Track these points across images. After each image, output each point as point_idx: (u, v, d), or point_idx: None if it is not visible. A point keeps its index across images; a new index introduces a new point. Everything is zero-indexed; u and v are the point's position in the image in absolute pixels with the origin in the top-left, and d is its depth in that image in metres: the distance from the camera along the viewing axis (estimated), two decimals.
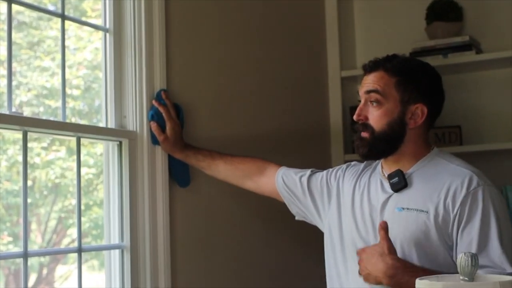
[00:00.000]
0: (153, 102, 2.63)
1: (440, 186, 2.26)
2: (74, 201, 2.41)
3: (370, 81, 2.35)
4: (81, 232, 2.40)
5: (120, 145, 2.58)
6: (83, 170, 2.84)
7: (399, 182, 2.32)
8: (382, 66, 2.35)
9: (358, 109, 2.35)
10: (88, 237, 2.79)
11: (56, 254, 2.40)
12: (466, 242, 2.19)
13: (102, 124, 2.60)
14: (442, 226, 2.23)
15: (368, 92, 2.33)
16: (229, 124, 3.06)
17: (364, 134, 2.34)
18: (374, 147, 2.33)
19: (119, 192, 2.56)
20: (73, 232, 2.41)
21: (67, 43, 2.62)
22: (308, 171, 2.61)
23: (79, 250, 2.38)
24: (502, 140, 3.56)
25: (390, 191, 2.34)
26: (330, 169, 2.59)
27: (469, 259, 1.67)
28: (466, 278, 1.67)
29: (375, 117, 2.32)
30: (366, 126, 2.33)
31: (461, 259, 1.68)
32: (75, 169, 2.40)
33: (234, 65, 3.13)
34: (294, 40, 3.59)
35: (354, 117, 2.36)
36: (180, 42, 2.81)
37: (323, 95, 3.80)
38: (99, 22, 2.66)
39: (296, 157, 3.40)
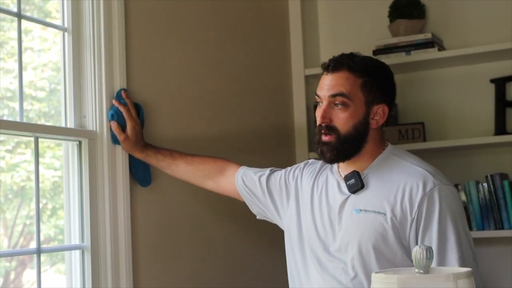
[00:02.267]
0: (113, 101, 2.62)
1: (396, 186, 2.26)
2: (40, 204, 2.39)
3: (334, 83, 2.29)
4: (39, 232, 2.37)
5: (79, 145, 2.56)
6: (49, 173, 2.82)
7: (356, 184, 2.30)
8: (347, 66, 2.29)
9: (322, 111, 2.30)
10: (54, 241, 2.76)
11: (13, 256, 2.38)
12: None
13: (62, 124, 2.58)
14: (399, 228, 2.22)
15: (334, 95, 2.28)
16: (190, 123, 3.05)
17: (328, 138, 2.29)
18: (342, 150, 2.29)
19: (79, 192, 2.54)
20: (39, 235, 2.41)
21: (31, 44, 2.59)
22: (267, 171, 2.59)
23: (38, 252, 2.36)
24: (465, 136, 3.59)
25: (348, 192, 2.33)
26: (289, 168, 2.58)
27: (424, 252, 1.67)
28: (421, 271, 1.67)
29: (342, 120, 2.28)
30: (331, 128, 2.28)
31: (416, 252, 1.68)
32: (40, 171, 2.38)
33: (196, 64, 3.12)
34: (257, 39, 3.58)
35: (319, 120, 2.30)
36: (140, 41, 2.79)
37: (287, 93, 3.80)
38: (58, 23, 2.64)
39: (260, 156, 3.40)
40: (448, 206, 2.22)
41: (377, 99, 2.31)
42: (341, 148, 2.29)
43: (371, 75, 2.31)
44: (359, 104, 2.29)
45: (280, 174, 2.56)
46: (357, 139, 2.30)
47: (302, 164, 2.56)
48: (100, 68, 2.60)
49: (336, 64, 2.31)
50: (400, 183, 2.25)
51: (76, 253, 2.53)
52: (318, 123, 2.32)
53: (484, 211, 3.43)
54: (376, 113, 2.32)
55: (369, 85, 2.30)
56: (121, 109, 2.62)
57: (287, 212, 2.50)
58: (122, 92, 2.64)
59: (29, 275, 2.88)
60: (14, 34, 2.45)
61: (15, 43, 2.45)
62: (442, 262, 2.16)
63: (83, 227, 2.53)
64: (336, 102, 2.28)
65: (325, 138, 2.30)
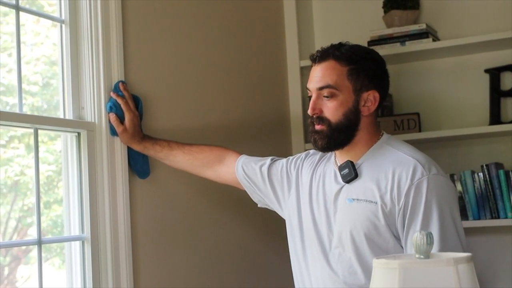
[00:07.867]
0: (111, 93, 2.62)
1: (387, 176, 2.28)
2: (34, 198, 2.40)
3: (321, 75, 2.33)
4: (40, 223, 2.38)
5: (78, 136, 2.57)
6: (43, 167, 2.83)
7: (349, 174, 2.33)
8: (332, 55, 2.33)
9: (311, 103, 2.34)
10: (48, 235, 2.77)
11: (14, 247, 2.39)
12: (411, 237, 2.20)
13: (60, 116, 2.58)
14: (389, 217, 2.25)
15: (321, 88, 2.32)
16: (188, 114, 3.05)
17: (319, 127, 2.33)
18: (333, 138, 2.32)
19: (79, 183, 2.55)
20: (34, 231, 2.40)
21: (24, 38, 2.59)
22: (268, 160, 2.61)
23: (39, 243, 2.37)
24: (460, 126, 3.60)
25: (342, 182, 2.35)
26: (290, 157, 2.59)
27: (424, 237, 1.69)
28: (422, 256, 1.69)
29: (331, 110, 2.31)
30: (321, 119, 2.32)
31: (417, 237, 1.70)
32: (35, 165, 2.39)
33: (193, 56, 3.12)
34: (252, 30, 3.59)
35: (309, 112, 2.34)
36: (138, 33, 2.80)
37: (283, 84, 3.81)
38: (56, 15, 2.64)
39: (256, 148, 3.40)
40: (435, 197, 2.22)
41: (366, 86, 2.34)
42: (332, 136, 2.32)
43: (357, 63, 2.33)
44: (347, 92, 2.32)
45: (281, 163, 2.58)
46: (349, 127, 2.33)
47: (303, 155, 2.58)
48: (98, 60, 2.61)
49: (322, 55, 2.35)
50: (391, 172, 2.28)
51: (76, 244, 2.53)
52: (309, 114, 2.36)
53: (480, 200, 3.45)
54: (367, 100, 2.34)
55: (355, 73, 2.32)
56: (119, 101, 2.62)
57: (288, 202, 2.52)
58: (120, 84, 2.65)
59: (23, 270, 2.88)
60: (7, 29, 2.45)
61: (8, 38, 2.45)
62: None
63: (83, 218, 2.54)
64: (325, 94, 2.32)
65: (317, 127, 2.34)
